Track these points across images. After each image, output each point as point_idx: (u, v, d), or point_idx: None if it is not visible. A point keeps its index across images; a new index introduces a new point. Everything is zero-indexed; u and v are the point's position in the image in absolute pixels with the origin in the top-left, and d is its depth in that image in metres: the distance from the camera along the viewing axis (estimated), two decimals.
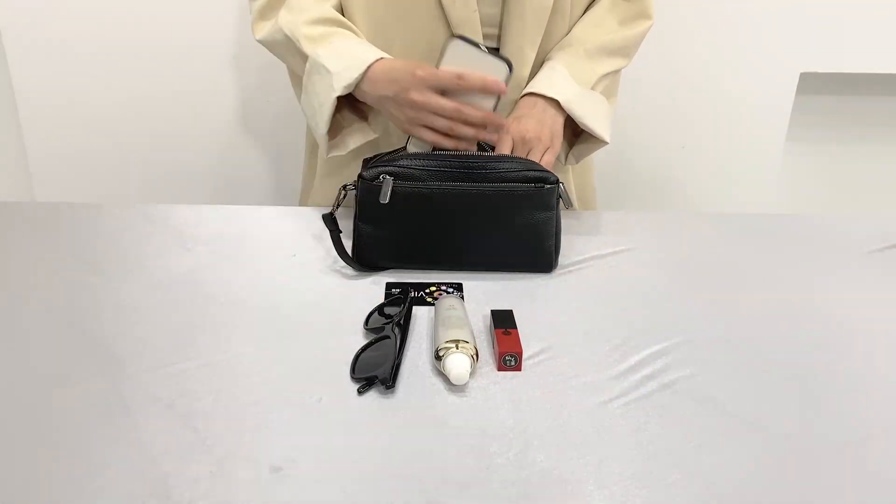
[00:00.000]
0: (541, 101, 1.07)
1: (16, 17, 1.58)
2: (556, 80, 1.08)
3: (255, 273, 1.00)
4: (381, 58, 1.00)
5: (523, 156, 1.03)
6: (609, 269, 1.03)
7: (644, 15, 1.15)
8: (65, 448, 0.72)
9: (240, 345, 0.86)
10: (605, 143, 1.11)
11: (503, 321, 0.89)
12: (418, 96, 0.97)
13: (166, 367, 0.83)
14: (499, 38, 1.07)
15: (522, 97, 1.09)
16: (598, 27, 1.13)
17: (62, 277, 0.97)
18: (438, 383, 0.82)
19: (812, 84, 1.78)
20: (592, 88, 1.10)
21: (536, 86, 1.08)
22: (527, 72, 1.09)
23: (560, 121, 1.07)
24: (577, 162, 1.16)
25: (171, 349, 0.85)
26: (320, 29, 1.04)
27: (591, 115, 1.09)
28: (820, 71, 1.74)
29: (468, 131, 0.99)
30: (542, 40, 1.08)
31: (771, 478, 0.71)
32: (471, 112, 0.97)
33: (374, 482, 0.69)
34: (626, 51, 1.14)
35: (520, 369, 0.84)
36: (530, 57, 1.08)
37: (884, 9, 1.68)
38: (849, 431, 0.77)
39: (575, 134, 1.15)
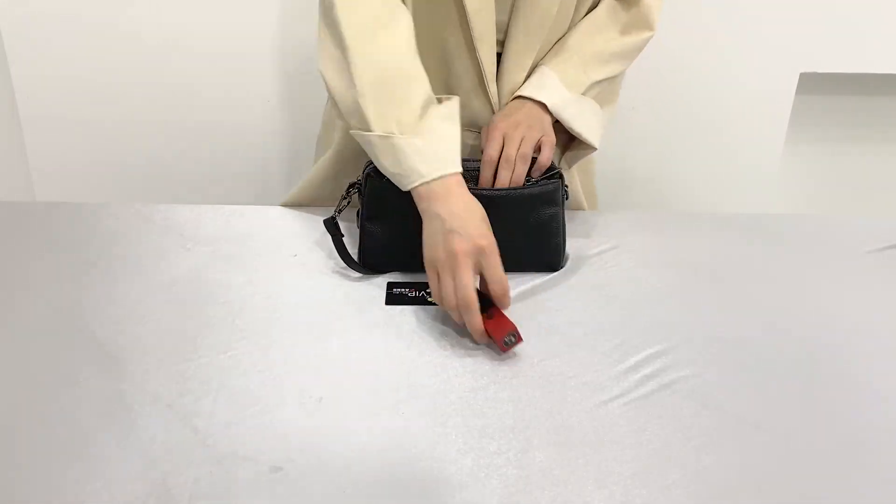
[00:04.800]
0: (528, 104, 1.06)
1: (16, 17, 1.58)
2: (546, 85, 1.07)
3: (255, 273, 1.00)
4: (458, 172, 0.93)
5: (516, 142, 1.00)
6: (609, 268, 1.03)
7: (645, 25, 1.12)
8: (65, 448, 0.72)
9: (240, 345, 0.86)
10: (594, 148, 1.10)
11: (481, 305, 0.86)
12: (461, 247, 0.87)
13: (166, 367, 0.83)
14: (502, 43, 1.07)
15: (511, 101, 1.08)
16: (596, 35, 1.12)
17: (62, 277, 0.97)
18: (438, 383, 0.82)
19: (812, 84, 1.78)
20: (584, 94, 1.09)
21: (525, 90, 1.07)
22: (522, 78, 1.09)
23: (548, 120, 1.06)
24: (570, 167, 1.16)
25: (171, 349, 0.85)
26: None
27: (580, 120, 1.07)
28: (820, 71, 1.74)
29: (464, 320, 0.88)
30: (540, 47, 1.08)
31: (771, 478, 0.71)
32: (474, 322, 0.87)
33: (373, 482, 0.69)
34: (622, 56, 1.13)
35: (521, 340, 0.85)
36: (527, 63, 1.08)
37: (884, 9, 1.68)
38: (849, 431, 0.77)
39: (570, 139, 1.15)
